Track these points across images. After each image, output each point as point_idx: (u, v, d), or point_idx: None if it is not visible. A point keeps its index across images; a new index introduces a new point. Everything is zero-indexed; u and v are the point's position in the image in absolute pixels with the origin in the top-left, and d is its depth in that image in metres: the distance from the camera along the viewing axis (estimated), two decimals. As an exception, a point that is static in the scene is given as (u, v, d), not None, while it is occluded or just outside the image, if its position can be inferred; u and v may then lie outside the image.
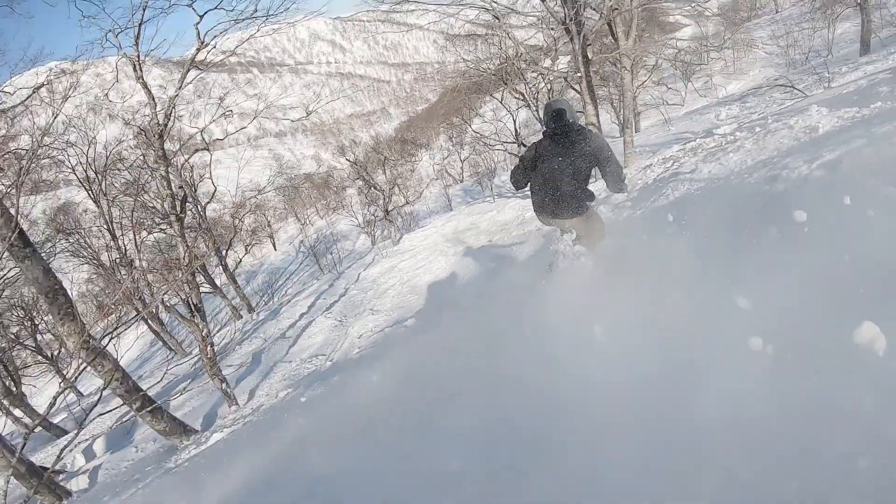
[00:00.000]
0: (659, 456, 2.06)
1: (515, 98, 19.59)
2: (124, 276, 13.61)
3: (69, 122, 14.87)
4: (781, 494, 1.68)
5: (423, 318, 8.54)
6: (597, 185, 4.23)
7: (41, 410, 12.75)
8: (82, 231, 17.78)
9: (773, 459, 1.79)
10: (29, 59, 10.38)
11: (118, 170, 16.18)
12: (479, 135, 23.91)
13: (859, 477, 1.58)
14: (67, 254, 17.57)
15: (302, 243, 27.30)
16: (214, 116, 11.00)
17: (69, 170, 15.45)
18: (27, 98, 9.04)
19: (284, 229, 39.91)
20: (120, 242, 15.53)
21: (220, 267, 19.36)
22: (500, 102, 21.05)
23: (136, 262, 14.60)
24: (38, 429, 13.57)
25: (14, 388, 14.88)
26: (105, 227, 15.41)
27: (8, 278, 14.72)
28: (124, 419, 9.86)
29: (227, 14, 9.44)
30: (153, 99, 8.92)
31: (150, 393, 9.64)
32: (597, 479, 2.13)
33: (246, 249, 24.36)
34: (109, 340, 4.52)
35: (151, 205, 16.45)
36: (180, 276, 9.27)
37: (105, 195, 15.19)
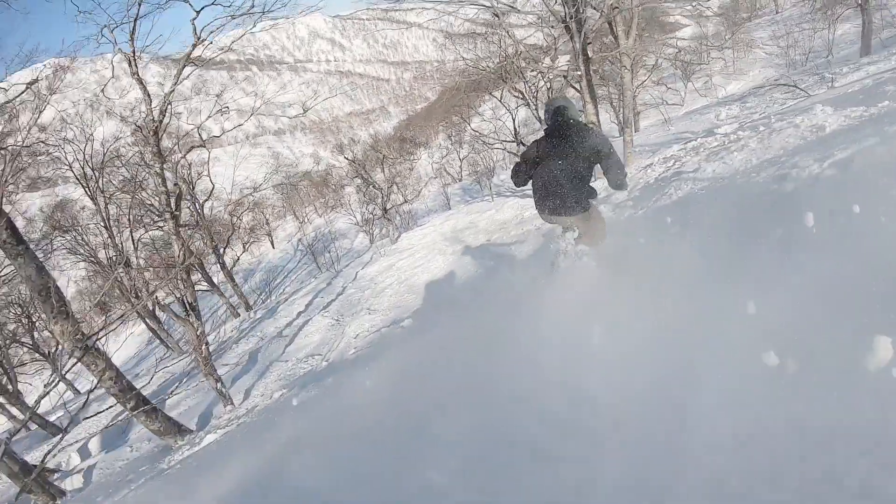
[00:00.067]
0: (657, 469, 2.02)
1: (515, 97, 19.56)
2: (121, 274, 13.51)
3: (65, 119, 14.77)
4: None
5: (419, 319, 8.47)
6: (597, 185, 4.14)
7: (38, 409, 12.70)
8: (79, 228, 17.68)
9: (774, 474, 1.74)
10: (24, 56, 10.28)
11: (116, 167, 16.10)
12: (478, 133, 23.89)
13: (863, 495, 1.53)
14: (65, 251, 17.47)
15: (300, 241, 27.27)
16: (211, 112, 10.90)
17: (66, 166, 15.35)
18: (20, 94, 8.93)
19: (283, 227, 39.90)
20: (117, 240, 15.44)
21: (218, 265, 19.30)
22: (500, 101, 21.02)
23: (133, 260, 14.50)
24: (34, 427, 13.51)
25: (10, 387, 14.82)
26: (102, 224, 15.33)
27: (4, 275, 14.66)
28: (119, 418, 9.79)
29: (224, 10, 9.36)
30: (148, 95, 8.84)
31: (146, 392, 9.58)
32: (591, 490, 2.09)
33: (244, 247, 24.31)
34: (97, 339, 4.43)
35: (149, 202, 16.37)
36: (175, 273, 9.15)
37: (102, 192, 15.09)
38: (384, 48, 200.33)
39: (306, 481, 3.10)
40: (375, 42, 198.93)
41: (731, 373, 2.11)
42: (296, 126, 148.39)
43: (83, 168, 15.20)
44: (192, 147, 11.64)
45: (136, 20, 8.63)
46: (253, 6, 9.47)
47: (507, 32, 13.04)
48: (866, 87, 9.15)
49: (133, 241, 14.87)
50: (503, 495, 2.31)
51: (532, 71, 15.78)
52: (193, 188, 18.65)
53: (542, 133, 4.13)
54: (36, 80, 9.52)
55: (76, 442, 10.24)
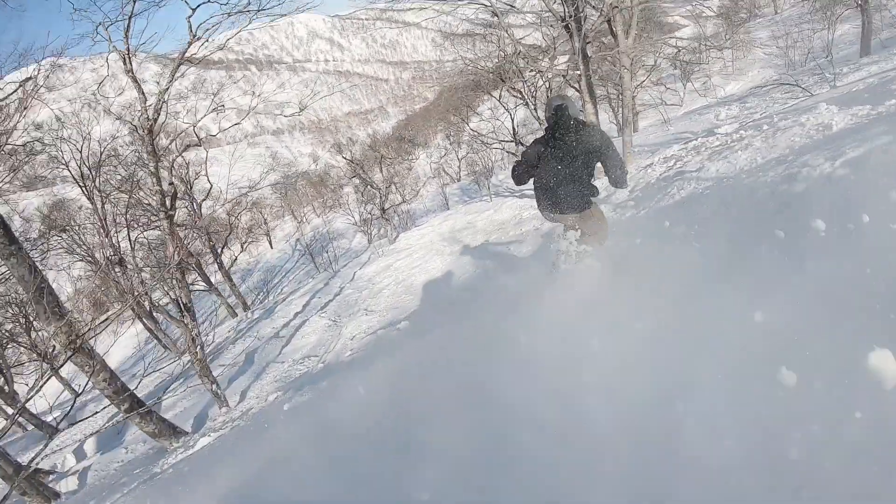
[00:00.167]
0: (657, 474, 2.00)
1: (514, 96, 19.54)
2: (118, 274, 13.41)
3: (60, 119, 14.68)
4: None
5: (416, 321, 8.38)
6: (598, 184, 4.08)
7: (35, 409, 12.61)
8: (76, 228, 17.58)
9: (774, 477, 1.73)
10: (18, 55, 10.16)
11: (113, 166, 16.01)
12: (476, 133, 23.85)
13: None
14: (62, 250, 17.38)
15: (298, 241, 27.25)
16: (207, 111, 10.83)
17: (63, 165, 15.25)
18: (13, 93, 8.86)
19: (281, 227, 39.92)
20: (114, 240, 15.34)
21: (216, 264, 19.21)
22: (499, 101, 20.98)
23: (130, 260, 14.41)
24: (31, 427, 13.42)
25: (6, 387, 14.71)
26: (98, 223, 15.23)
27: (1, 274, 14.55)
28: (115, 420, 9.72)
29: (220, 7, 9.28)
30: (143, 93, 8.77)
31: (142, 393, 9.49)
32: (590, 495, 2.08)
33: (242, 247, 24.24)
34: (84, 338, 4.35)
35: (147, 201, 16.29)
36: (170, 273, 9.07)
37: (99, 191, 15.00)
38: (383, 48, 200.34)
39: (296, 490, 3.05)
40: (374, 42, 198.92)
41: (737, 384, 2.07)
42: (294, 126, 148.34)
43: (80, 167, 15.10)
44: (189, 146, 11.56)
45: (130, 17, 8.56)
46: (249, 3, 9.40)
47: (507, 32, 12.96)
48: (871, 85, 9.07)
49: (130, 240, 14.78)
50: (501, 500, 2.29)
51: (531, 71, 15.72)
52: (191, 188, 18.57)
53: (541, 132, 4.10)
54: (28, 79, 9.43)
55: (73, 444, 10.17)
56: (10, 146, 10.37)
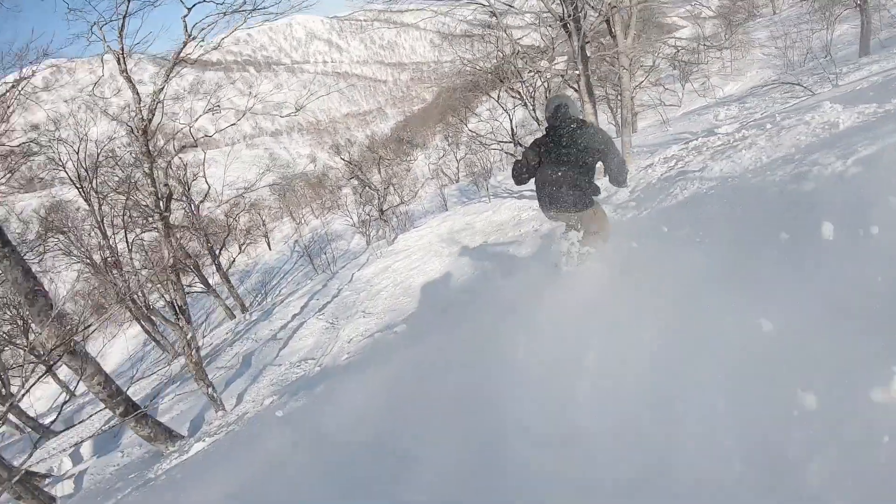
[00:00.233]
0: (656, 477, 1.97)
1: (512, 97, 19.50)
2: (115, 275, 13.34)
3: (54, 120, 14.62)
4: None
5: (413, 324, 8.30)
6: (599, 183, 4.02)
7: (32, 411, 12.54)
8: (73, 229, 17.51)
9: (774, 480, 1.72)
10: (14, 56, 10.06)
11: (110, 167, 15.94)
12: (475, 134, 23.78)
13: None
14: (59, 252, 17.31)
15: (297, 243, 27.20)
16: (204, 110, 10.77)
17: (60, 166, 15.18)
18: (6, 92, 8.78)
19: (279, 228, 39.95)
20: (111, 241, 15.28)
21: (214, 266, 19.12)
22: (497, 101, 20.91)
23: (127, 261, 14.33)
24: (29, 430, 13.35)
25: (3, 389, 14.62)
26: (95, 225, 15.17)
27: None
28: (111, 423, 9.64)
29: (215, 7, 9.21)
30: (137, 93, 8.69)
31: (138, 396, 9.40)
32: (590, 498, 2.06)
33: (240, 248, 24.16)
34: (75, 340, 4.27)
35: (144, 203, 16.23)
36: (165, 275, 8.98)
37: (96, 193, 14.93)
38: (381, 49, 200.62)
39: (290, 497, 3.00)
40: (372, 43, 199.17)
41: (739, 389, 2.04)
42: (292, 127, 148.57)
43: (77, 169, 15.04)
44: (185, 147, 11.48)
45: (125, 17, 8.49)
46: (244, 2, 9.33)
47: (505, 32, 12.90)
48: (875, 84, 9.01)
49: (127, 242, 14.71)
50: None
51: (529, 71, 15.66)
52: (189, 189, 18.50)
53: (540, 133, 4.07)
54: (22, 79, 9.35)
55: (70, 447, 10.09)
56: (5, 147, 10.27)
